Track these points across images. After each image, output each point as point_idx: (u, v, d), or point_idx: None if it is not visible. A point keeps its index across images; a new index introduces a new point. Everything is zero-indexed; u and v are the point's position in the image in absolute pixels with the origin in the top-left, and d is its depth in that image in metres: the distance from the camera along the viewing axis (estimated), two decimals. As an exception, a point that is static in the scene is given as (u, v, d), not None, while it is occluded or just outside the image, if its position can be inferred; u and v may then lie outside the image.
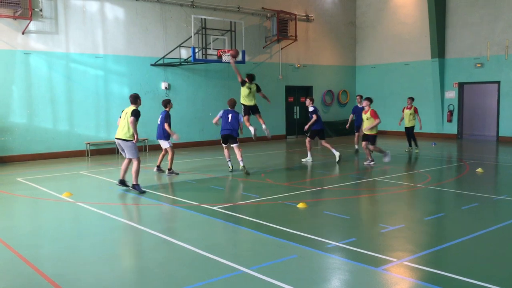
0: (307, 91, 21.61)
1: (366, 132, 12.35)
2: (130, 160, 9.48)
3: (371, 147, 12.31)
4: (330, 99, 22.28)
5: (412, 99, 15.28)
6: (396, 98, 21.46)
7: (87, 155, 15.25)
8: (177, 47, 16.44)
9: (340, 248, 5.75)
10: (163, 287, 4.69)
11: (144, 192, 9.21)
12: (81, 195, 9.32)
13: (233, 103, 11.67)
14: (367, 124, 12.28)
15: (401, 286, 4.69)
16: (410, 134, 15.18)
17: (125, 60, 16.12)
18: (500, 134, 18.70)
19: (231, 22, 16.72)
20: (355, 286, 4.71)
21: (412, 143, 15.24)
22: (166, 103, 11.65)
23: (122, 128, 9.20)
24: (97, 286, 4.77)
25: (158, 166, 11.73)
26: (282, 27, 19.80)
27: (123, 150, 9.45)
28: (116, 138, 9.38)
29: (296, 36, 20.15)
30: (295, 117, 21.35)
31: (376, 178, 10.72)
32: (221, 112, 11.70)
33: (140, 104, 9.49)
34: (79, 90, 15.25)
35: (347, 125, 16.01)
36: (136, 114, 9.12)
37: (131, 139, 9.17)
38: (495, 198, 8.51)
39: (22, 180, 10.94)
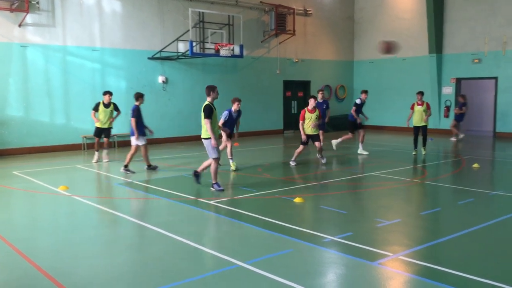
0: (304, 86, 21.59)
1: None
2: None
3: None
4: (328, 94, 22.26)
5: (422, 93, 13.43)
6: (393, 94, 21.48)
7: (84, 149, 15.22)
8: (174, 40, 16.38)
9: (336, 242, 5.76)
10: (159, 280, 4.70)
11: (222, 190, 8.66)
12: (77, 188, 9.31)
13: (233, 100, 10.95)
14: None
15: (397, 280, 4.71)
16: (422, 134, 13.23)
17: (122, 54, 16.06)
18: (497, 130, 18.74)
19: (229, 16, 16.66)
20: (350, 280, 4.73)
21: (420, 143, 13.42)
22: (138, 96, 10.92)
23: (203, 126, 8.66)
24: (92, 279, 4.77)
25: (149, 165, 11.16)
26: (280, 21, 19.74)
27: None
28: None
29: (294, 31, 20.09)
30: (292, 111, 21.33)
31: (373, 173, 10.73)
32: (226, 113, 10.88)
33: (211, 96, 8.57)
34: (76, 83, 15.19)
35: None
36: (205, 111, 8.39)
37: (207, 137, 8.58)
38: (491, 193, 8.54)
39: (18, 173, 10.92)
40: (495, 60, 18.43)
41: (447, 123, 19.55)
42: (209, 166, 8.96)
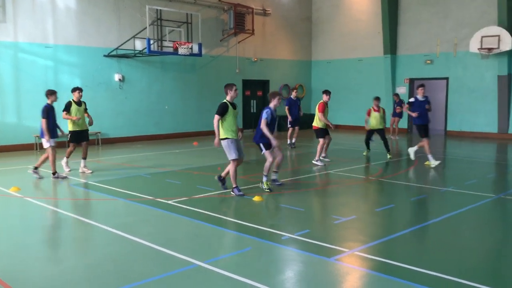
0: (263, 85, 21.70)
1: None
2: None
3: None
4: (287, 93, 22.45)
5: (378, 99, 13.08)
6: (350, 93, 21.92)
7: (36, 149, 14.71)
8: (131, 38, 16.09)
9: (294, 240, 5.83)
10: (115, 283, 4.61)
11: (243, 195, 8.15)
12: (29, 190, 9.00)
13: (270, 97, 8.71)
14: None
15: (353, 276, 4.82)
16: (381, 137, 12.95)
17: (76, 51, 15.62)
18: (448, 129, 19.48)
19: (187, 14, 16.52)
20: (308, 277, 4.80)
21: (382, 147, 13.08)
22: (49, 94, 9.99)
23: None
24: (46, 283, 4.63)
25: (54, 172, 9.96)
26: (239, 20, 19.75)
27: None
28: None
29: (253, 30, 20.15)
30: (252, 111, 21.40)
31: (330, 171, 10.92)
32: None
33: (230, 94, 8.10)
34: (28, 81, 14.65)
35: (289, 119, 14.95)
36: (218, 107, 7.95)
37: (224, 137, 8.07)
38: (442, 190, 8.87)
39: (-35, 174, 10.44)
40: (447, 61, 19.15)
41: (401, 123, 20.10)
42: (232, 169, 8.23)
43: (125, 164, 11.89)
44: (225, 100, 8.17)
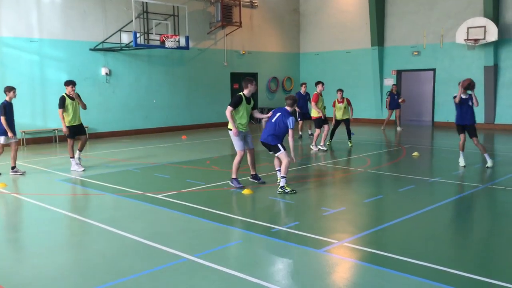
0: (252, 77, 21.57)
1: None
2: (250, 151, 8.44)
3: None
4: (275, 86, 22.46)
5: (342, 91, 13.31)
6: (339, 85, 21.61)
7: (23, 144, 14.54)
8: (117, 31, 15.93)
9: (284, 232, 5.85)
10: (104, 277, 4.59)
11: (242, 187, 8.19)
12: (16, 186, 8.91)
13: (292, 101, 8.31)
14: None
15: (342, 267, 4.85)
16: (346, 127, 13.39)
17: (62, 45, 15.42)
18: (435, 120, 19.64)
19: (173, 6, 16.38)
20: (298, 268, 4.82)
21: (338, 135, 13.79)
22: (6, 90, 9.85)
23: None
24: (35, 279, 4.59)
25: (13, 167, 9.92)
26: (226, 13, 19.64)
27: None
28: None
29: (240, 23, 20.05)
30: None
31: (319, 163, 10.96)
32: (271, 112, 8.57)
33: (248, 88, 8.27)
34: (12, 76, 14.42)
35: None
36: (232, 101, 8.18)
37: (230, 128, 8.23)
38: (430, 180, 8.95)
39: (-50, 171, 10.29)
40: (433, 52, 19.26)
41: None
42: (252, 161, 8.44)
43: (114, 159, 11.81)
44: (241, 93, 8.28)
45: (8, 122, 9.72)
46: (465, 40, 17.41)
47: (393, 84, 18.82)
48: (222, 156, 12.23)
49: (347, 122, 13.34)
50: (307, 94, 15.56)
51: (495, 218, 6.80)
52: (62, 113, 9.99)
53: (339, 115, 13.24)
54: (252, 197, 7.79)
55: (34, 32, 14.83)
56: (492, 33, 16.90)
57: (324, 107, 13.10)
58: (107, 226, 6.20)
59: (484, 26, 16.99)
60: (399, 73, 20.48)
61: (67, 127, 10.08)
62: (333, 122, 13.40)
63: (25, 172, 10.00)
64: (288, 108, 8.22)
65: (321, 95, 12.95)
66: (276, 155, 8.26)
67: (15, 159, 9.91)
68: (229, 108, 8.11)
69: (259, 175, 8.83)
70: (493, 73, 17.73)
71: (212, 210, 6.91)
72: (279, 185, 8.00)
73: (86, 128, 11.18)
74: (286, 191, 7.82)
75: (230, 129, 8.20)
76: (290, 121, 8.00)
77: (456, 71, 18.65)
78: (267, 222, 6.29)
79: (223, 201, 7.64)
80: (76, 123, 10.26)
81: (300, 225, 6.11)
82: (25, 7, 14.60)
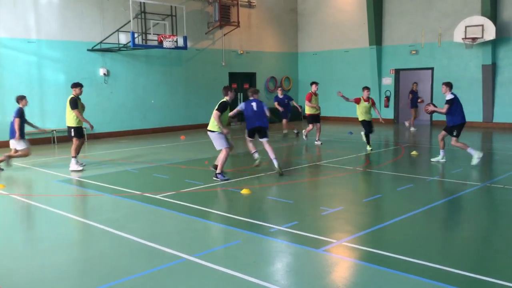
0: (250, 77, 21.64)
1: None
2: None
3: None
4: (273, 86, 22.44)
5: (368, 89, 12.52)
6: (337, 85, 21.89)
7: (21, 145, 14.50)
8: (115, 31, 15.90)
9: (283, 232, 5.85)
10: (103, 278, 4.58)
11: (227, 179, 8.94)
12: (15, 187, 8.89)
13: (258, 92, 9.72)
14: None
15: (341, 266, 4.85)
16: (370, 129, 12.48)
17: (59, 45, 15.40)
18: (433, 119, 19.60)
19: (171, 6, 16.36)
20: (296, 268, 4.82)
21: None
22: (18, 99, 10.36)
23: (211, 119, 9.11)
24: (33, 280, 4.58)
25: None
26: (224, 12, 19.63)
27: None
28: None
29: (238, 22, 20.04)
30: (238, 103, 21.28)
31: (318, 163, 10.95)
32: (242, 105, 9.60)
33: (229, 95, 9.12)
34: (10, 77, 14.40)
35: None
36: (219, 106, 8.89)
37: (214, 130, 9.04)
38: (428, 179, 8.95)
39: (-52, 173, 10.26)
40: (431, 51, 19.27)
41: (387, 113, 20.26)
42: (224, 158, 9.10)
43: (112, 159, 11.79)
44: (225, 99, 9.11)
45: (20, 127, 10.25)
46: (463, 39, 17.41)
47: (414, 82, 18.45)
48: (220, 156, 12.19)
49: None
50: (285, 96, 16.09)
51: (494, 216, 6.80)
52: (78, 112, 10.37)
53: (364, 114, 12.29)
54: (250, 197, 7.78)
55: (31, 33, 14.80)
56: (490, 32, 16.91)
57: (319, 106, 14.04)
58: (105, 226, 6.19)
59: (482, 25, 17.00)
60: (397, 72, 20.49)
61: (75, 127, 10.45)
62: (362, 125, 12.47)
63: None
64: (257, 98, 9.61)
65: (315, 94, 13.92)
66: (262, 140, 9.54)
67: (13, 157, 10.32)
68: (217, 113, 8.89)
69: (257, 175, 8.82)
70: (491, 71, 17.74)
71: (211, 210, 6.91)
72: (256, 164, 9.66)
73: (84, 129, 11.25)
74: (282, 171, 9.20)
75: (212, 131, 9.07)
76: (266, 107, 9.56)
77: (454, 69, 18.67)
78: (266, 221, 6.28)
79: (222, 201, 7.63)
80: (81, 124, 10.62)
81: (298, 225, 6.10)
82: (23, 8, 14.57)
